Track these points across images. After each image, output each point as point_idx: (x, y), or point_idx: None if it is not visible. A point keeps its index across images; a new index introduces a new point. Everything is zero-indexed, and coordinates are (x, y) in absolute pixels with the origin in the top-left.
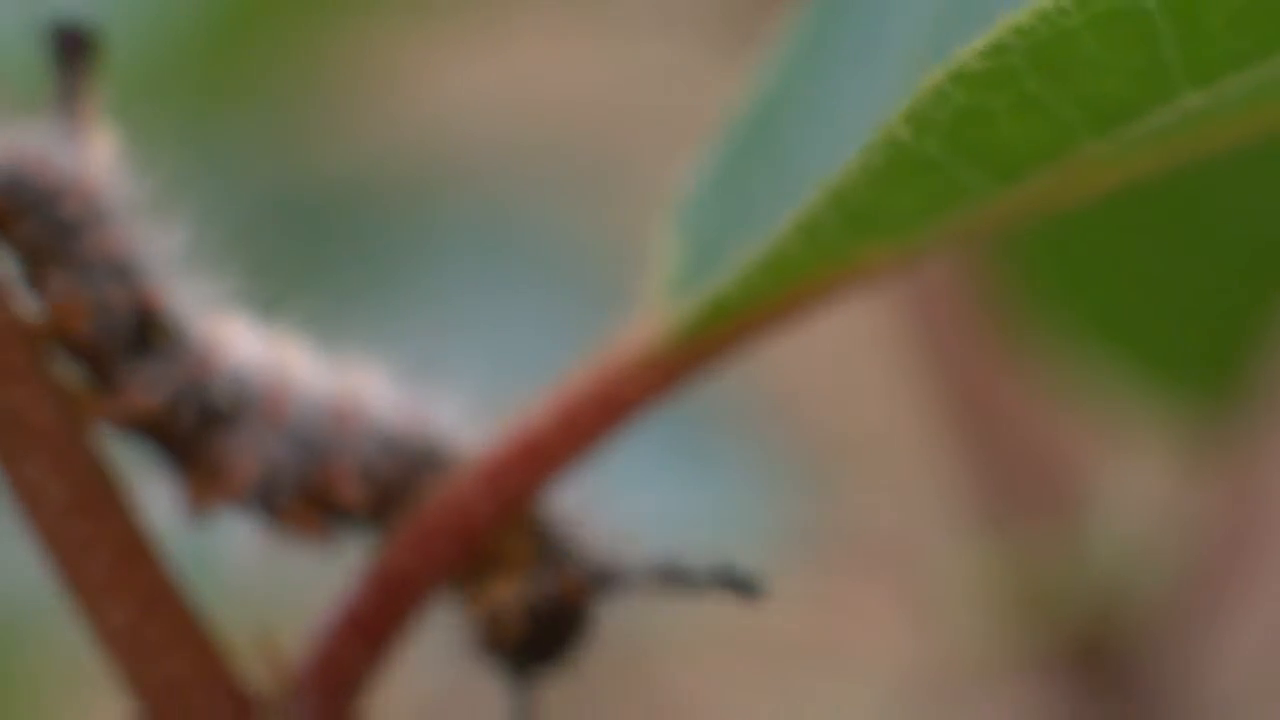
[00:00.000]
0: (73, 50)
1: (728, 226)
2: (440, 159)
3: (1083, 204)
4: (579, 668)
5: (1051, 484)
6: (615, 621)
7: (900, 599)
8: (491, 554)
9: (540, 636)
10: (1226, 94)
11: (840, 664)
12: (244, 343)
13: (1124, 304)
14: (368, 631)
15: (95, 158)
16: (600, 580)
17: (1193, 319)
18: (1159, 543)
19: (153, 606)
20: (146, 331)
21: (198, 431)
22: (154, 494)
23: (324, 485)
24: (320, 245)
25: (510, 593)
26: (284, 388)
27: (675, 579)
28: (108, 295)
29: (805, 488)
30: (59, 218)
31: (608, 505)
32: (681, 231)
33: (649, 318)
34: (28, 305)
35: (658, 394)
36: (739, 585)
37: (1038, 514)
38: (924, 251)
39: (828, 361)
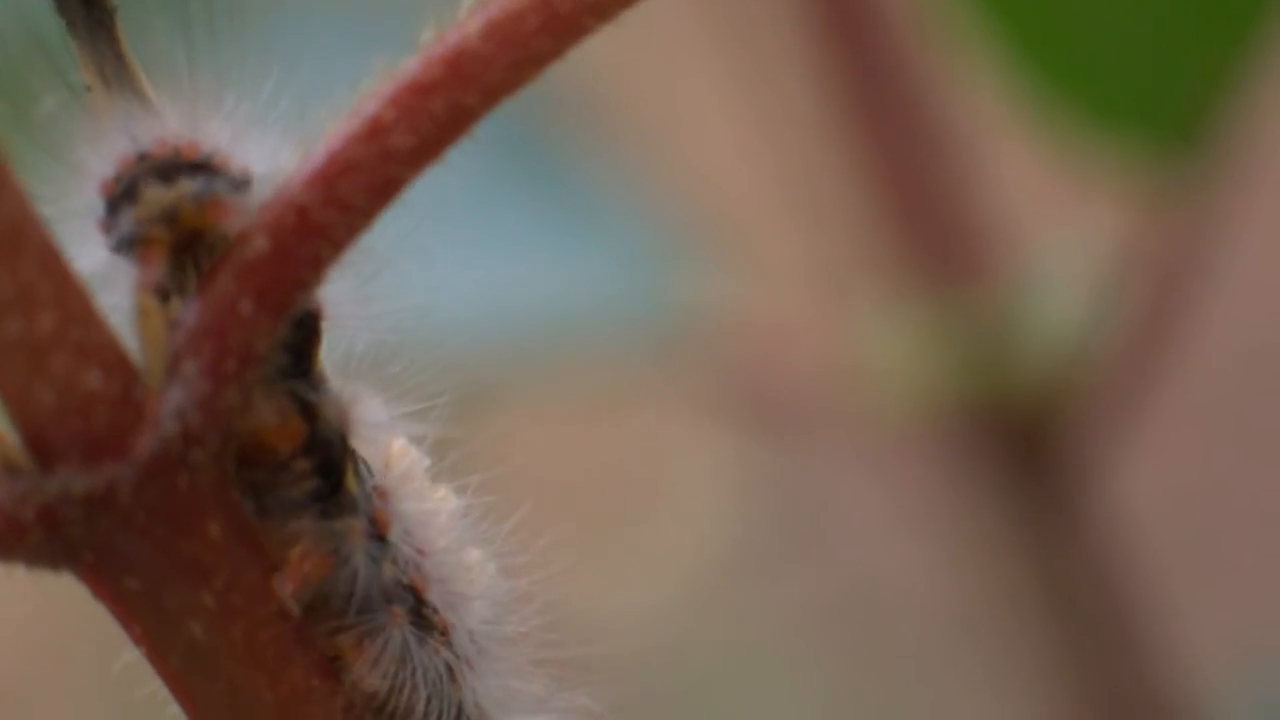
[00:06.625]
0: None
1: None
2: None
3: None
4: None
5: (983, 239)
6: None
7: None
8: None
9: None
10: None
11: (750, 427)
12: None
13: (1079, 45)
14: (263, 287)
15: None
16: None
17: (1151, 53)
18: (1098, 303)
19: (3, 247)
20: None
21: None
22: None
23: None
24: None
25: None
26: None
27: None
28: None
29: (695, 250)
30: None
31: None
32: None
33: None
34: None
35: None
36: None
37: (967, 272)
38: None
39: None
